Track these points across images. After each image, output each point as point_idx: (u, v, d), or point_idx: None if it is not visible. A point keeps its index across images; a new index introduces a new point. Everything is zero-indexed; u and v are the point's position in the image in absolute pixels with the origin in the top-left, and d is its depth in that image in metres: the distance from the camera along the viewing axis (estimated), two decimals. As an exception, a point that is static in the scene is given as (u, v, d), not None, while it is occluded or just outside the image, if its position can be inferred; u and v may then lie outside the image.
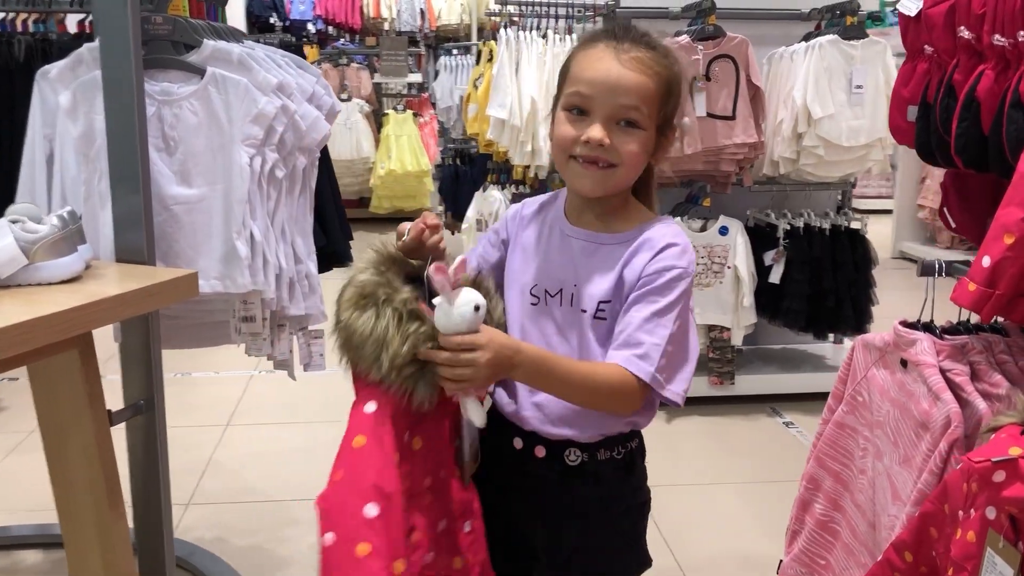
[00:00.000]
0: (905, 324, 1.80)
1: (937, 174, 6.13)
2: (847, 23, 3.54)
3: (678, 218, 3.50)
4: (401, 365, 1.17)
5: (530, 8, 3.64)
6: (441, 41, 9.40)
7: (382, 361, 1.18)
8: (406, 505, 1.21)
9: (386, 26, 8.85)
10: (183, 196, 1.80)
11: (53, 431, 1.66)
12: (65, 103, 1.77)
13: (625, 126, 1.27)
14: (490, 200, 3.99)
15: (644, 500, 1.45)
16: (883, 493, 1.83)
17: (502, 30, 3.53)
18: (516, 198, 3.88)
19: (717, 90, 3.40)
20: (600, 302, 1.31)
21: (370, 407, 1.21)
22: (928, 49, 1.71)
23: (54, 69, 1.85)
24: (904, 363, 1.79)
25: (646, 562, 1.45)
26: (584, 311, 1.32)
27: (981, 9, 1.56)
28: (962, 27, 1.60)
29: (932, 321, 1.78)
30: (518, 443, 1.37)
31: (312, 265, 2.03)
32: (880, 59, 3.55)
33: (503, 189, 4.04)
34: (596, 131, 1.25)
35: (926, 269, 1.77)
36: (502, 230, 1.46)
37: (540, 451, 1.36)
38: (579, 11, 3.69)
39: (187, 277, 1.62)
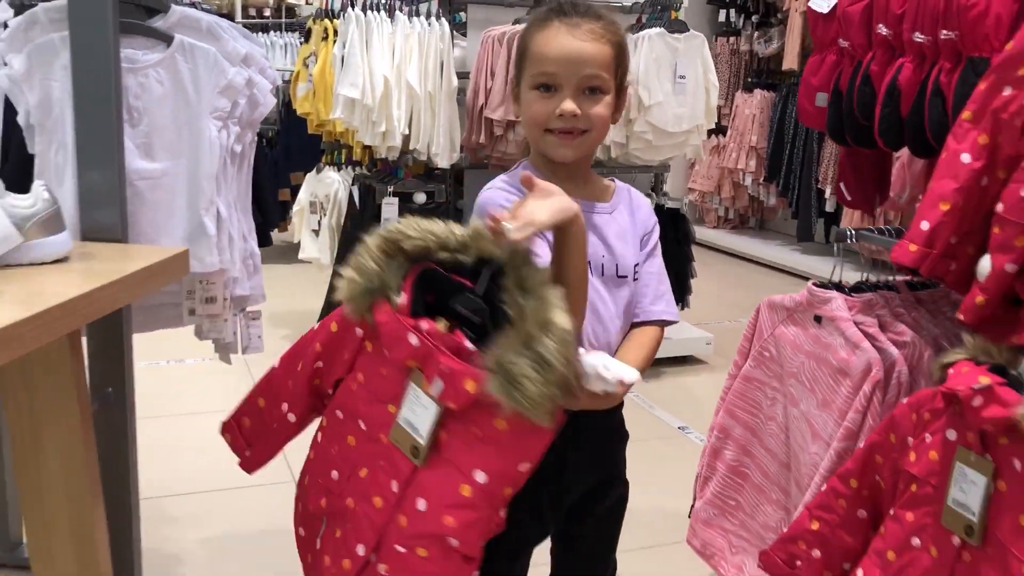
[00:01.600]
0: (817, 285, 2.05)
1: (706, 160, 6.73)
2: (672, 17, 3.85)
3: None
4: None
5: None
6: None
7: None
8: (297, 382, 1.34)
9: None
10: (146, 170, 1.68)
11: (26, 427, 1.50)
12: (19, 68, 1.59)
13: (591, 93, 1.37)
14: (326, 182, 3.92)
15: None
16: (800, 435, 2.07)
17: (350, 9, 3.49)
18: (356, 180, 3.86)
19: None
20: (635, 265, 1.46)
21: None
22: (843, 43, 1.96)
23: (3, 30, 1.65)
24: (818, 319, 2.04)
25: None
26: (625, 276, 1.44)
27: (900, 9, 1.81)
28: (880, 24, 1.85)
29: (841, 281, 2.05)
30: None
31: (254, 244, 1.96)
32: (699, 52, 3.89)
33: (339, 170, 4.00)
34: (568, 104, 1.35)
35: (839, 236, 2.04)
36: None
37: None
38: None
39: (180, 255, 1.53)
